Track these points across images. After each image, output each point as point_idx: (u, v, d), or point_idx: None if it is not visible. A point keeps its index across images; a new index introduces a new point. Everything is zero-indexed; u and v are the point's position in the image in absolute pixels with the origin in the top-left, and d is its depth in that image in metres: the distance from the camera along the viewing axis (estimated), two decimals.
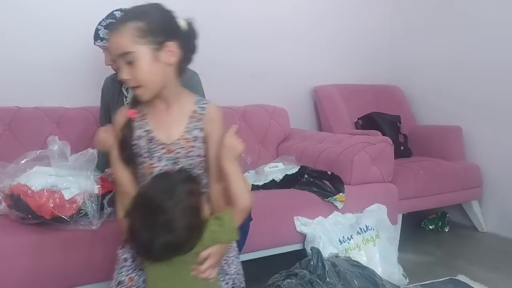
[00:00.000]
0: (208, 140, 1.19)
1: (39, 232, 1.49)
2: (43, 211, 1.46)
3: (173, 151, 1.17)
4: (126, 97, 1.85)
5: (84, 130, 2.13)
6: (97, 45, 1.76)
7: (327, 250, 1.88)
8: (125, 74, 1.12)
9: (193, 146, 1.18)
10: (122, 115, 1.22)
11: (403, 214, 2.45)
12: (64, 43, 2.25)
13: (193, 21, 1.21)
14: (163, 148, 1.17)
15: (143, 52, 1.10)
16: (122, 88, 1.85)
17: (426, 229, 2.87)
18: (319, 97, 3.02)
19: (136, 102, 1.20)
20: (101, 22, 1.75)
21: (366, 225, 1.98)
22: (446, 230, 2.84)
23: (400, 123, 3.06)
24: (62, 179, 1.58)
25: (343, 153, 2.25)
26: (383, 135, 2.55)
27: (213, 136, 1.19)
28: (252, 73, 2.80)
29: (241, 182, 1.15)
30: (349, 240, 1.94)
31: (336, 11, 3.14)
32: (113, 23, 1.68)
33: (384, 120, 2.98)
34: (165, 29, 1.13)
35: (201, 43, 2.87)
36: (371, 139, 2.33)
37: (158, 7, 1.16)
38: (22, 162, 1.62)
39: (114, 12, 1.74)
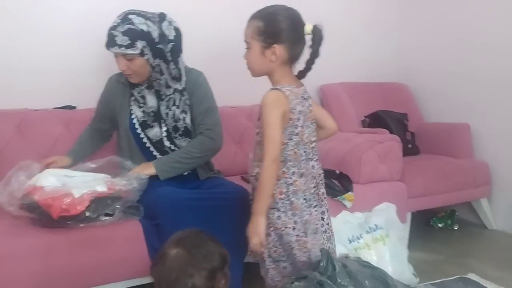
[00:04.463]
0: None
1: (50, 233, 1.50)
2: (52, 209, 1.47)
3: None
4: (135, 99, 1.84)
5: None
6: (112, 51, 1.69)
7: (337, 249, 1.87)
8: (244, 56, 1.44)
9: None
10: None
11: (411, 213, 2.44)
12: (73, 44, 2.25)
13: (320, 27, 1.42)
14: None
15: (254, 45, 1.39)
16: (134, 91, 1.83)
17: (435, 227, 2.86)
18: (326, 96, 3.01)
19: None
20: (116, 27, 1.67)
21: (375, 224, 1.97)
22: (456, 228, 2.83)
23: (407, 120, 3.04)
24: (72, 179, 1.60)
25: (351, 152, 2.24)
26: (390, 133, 2.53)
27: None
28: None
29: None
30: (359, 239, 1.93)
31: (342, 9, 3.12)
32: (132, 29, 1.65)
33: (391, 118, 2.96)
34: (277, 33, 1.37)
35: (207, 41, 2.87)
36: (379, 137, 2.32)
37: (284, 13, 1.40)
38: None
39: (130, 16, 1.68)
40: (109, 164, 1.74)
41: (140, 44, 1.67)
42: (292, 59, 1.44)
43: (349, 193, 2.04)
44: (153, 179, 1.72)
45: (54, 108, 2.16)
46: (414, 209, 2.46)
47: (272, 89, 1.41)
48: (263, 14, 1.41)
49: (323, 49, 1.49)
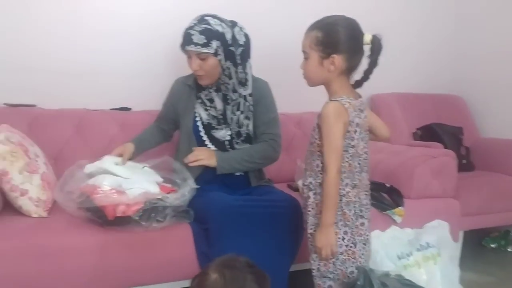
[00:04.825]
0: None
1: (105, 232, 1.55)
2: (107, 211, 1.53)
3: None
4: (202, 102, 1.88)
5: None
6: (188, 49, 1.74)
7: (385, 265, 1.82)
8: (301, 65, 1.46)
9: None
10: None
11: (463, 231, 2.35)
12: (132, 48, 2.32)
13: (380, 36, 1.40)
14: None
15: (313, 55, 1.40)
16: (201, 94, 1.87)
17: (487, 247, 2.74)
18: (377, 106, 2.95)
19: None
20: (193, 27, 1.72)
21: (426, 242, 1.90)
22: (509, 250, 2.69)
23: (462, 135, 2.93)
24: (127, 180, 1.64)
25: (402, 165, 2.18)
26: (444, 147, 2.45)
27: None
28: None
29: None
30: (408, 256, 1.86)
31: (397, 20, 3.05)
32: (208, 28, 1.72)
33: (445, 131, 2.86)
34: (336, 44, 1.37)
35: (258, 49, 2.86)
36: (432, 151, 2.24)
37: (342, 23, 1.39)
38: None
39: (206, 18, 1.74)
40: (163, 164, 1.80)
41: (215, 44, 1.72)
42: (350, 69, 1.43)
43: (400, 208, 1.98)
44: (205, 182, 1.76)
45: (111, 109, 2.24)
46: (467, 227, 2.36)
47: (332, 100, 1.39)
48: (322, 24, 1.41)
49: None
